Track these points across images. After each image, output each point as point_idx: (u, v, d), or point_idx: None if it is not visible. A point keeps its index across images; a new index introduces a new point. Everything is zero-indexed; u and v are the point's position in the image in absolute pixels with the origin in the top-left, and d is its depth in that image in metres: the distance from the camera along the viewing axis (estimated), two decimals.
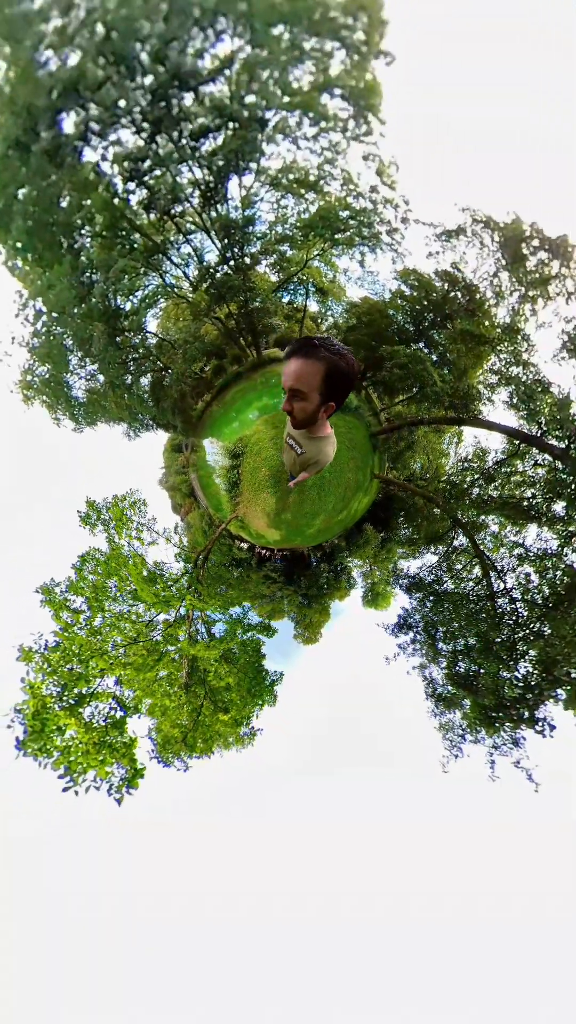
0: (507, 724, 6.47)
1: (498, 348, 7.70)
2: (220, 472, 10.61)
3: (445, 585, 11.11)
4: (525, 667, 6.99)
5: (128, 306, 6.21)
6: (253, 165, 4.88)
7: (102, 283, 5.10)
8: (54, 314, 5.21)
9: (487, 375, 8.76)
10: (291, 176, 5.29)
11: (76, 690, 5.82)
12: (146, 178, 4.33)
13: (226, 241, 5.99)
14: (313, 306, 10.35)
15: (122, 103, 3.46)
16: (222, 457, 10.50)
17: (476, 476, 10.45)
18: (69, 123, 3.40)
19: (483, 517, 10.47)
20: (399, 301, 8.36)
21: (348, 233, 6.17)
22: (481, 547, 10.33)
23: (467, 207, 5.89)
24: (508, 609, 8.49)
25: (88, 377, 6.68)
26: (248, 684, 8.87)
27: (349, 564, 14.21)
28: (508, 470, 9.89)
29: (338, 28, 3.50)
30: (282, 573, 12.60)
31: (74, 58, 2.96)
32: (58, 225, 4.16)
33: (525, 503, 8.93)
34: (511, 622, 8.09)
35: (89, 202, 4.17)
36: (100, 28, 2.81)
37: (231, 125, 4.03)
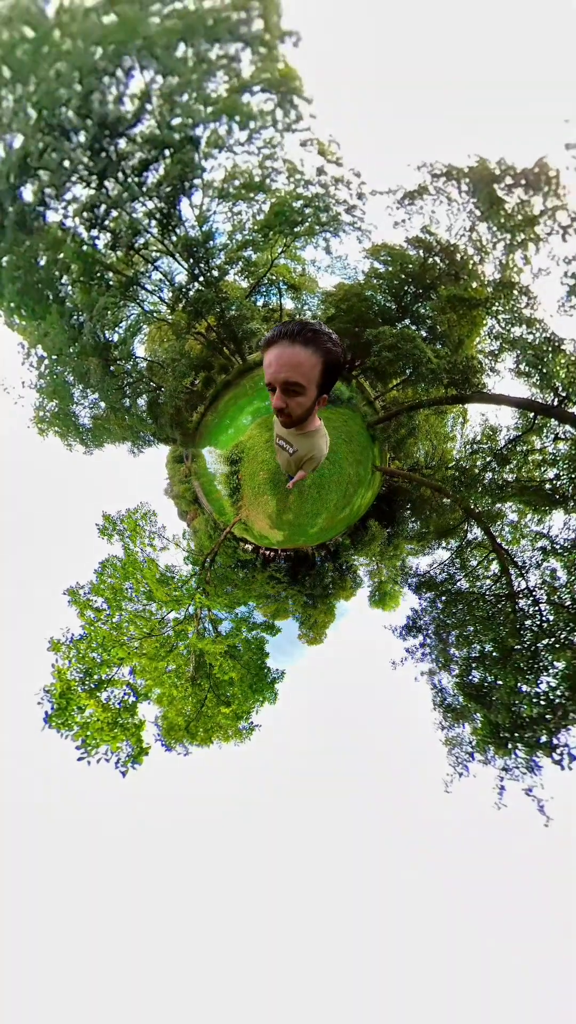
0: (520, 747, 5.63)
1: (493, 309, 6.65)
2: (221, 479, 11.11)
3: (458, 584, 10.03)
4: (548, 682, 5.97)
5: (116, 337, 6.96)
6: (198, 182, 5.07)
7: (89, 322, 5.84)
8: (53, 356, 6.13)
9: (486, 342, 7.65)
10: (236, 183, 5.34)
11: (97, 676, 6.82)
12: (105, 222, 4.85)
13: (191, 260, 6.30)
14: (288, 303, 10.18)
15: (67, 163, 3.99)
16: (221, 464, 10.99)
17: (488, 459, 9.20)
18: (28, 192, 4.04)
19: (499, 505, 9.21)
20: (374, 280, 7.77)
21: (306, 223, 5.95)
22: (498, 539, 9.10)
23: (423, 163, 5.20)
24: (530, 612, 7.34)
25: (91, 406, 7.63)
26: (251, 680, 9.26)
27: (354, 562, 13.73)
28: (524, 448, 8.54)
29: (234, 26, 3.45)
30: (286, 573, 12.73)
31: (18, 140, 3.50)
32: (41, 282, 4.93)
33: (547, 486, 7.61)
34: (534, 627, 6.98)
35: (62, 255, 4.83)
36: (30, 110, 3.29)
37: (167, 152, 4.29)
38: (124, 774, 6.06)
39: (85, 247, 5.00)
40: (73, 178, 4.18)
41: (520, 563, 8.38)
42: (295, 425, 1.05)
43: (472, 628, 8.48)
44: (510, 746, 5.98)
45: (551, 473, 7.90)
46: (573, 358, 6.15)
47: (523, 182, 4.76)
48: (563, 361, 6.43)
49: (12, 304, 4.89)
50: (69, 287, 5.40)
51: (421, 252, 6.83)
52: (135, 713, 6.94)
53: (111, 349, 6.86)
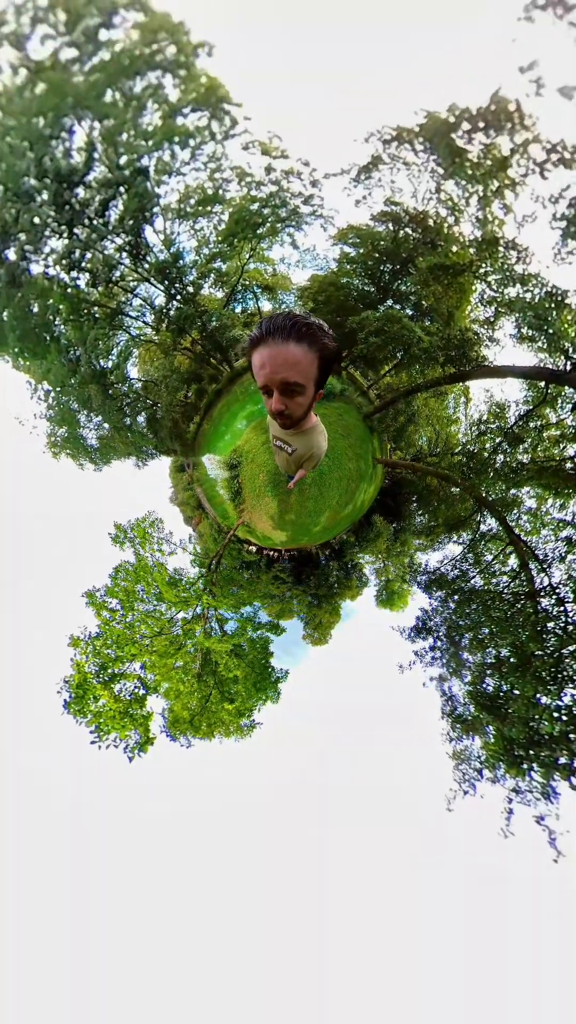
0: (536, 767, 4.86)
1: (480, 272, 5.89)
2: (222, 483, 11.58)
3: (472, 581, 9.07)
4: (573, 694, 5.08)
5: (110, 364, 7.72)
6: (157, 209, 5.42)
7: (84, 354, 6.61)
8: (57, 389, 7.04)
9: (479, 310, 6.81)
10: (192, 201, 5.56)
11: (111, 670, 7.62)
12: (82, 264, 5.46)
13: (166, 282, 6.74)
14: (266, 305, 10.20)
15: (36, 220, 4.60)
16: (221, 470, 11.45)
17: (498, 440, 8.20)
18: (11, 253, 4.75)
19: (515, 491, 8.15)
20: (348, 266, 7.41)
21: (267, 223, 5.94)
22: (516, 530, 8.04)
23: (369, 132, 4.81)
24: (554, 612, 6.33)
25: (96, 427, 8.55)
26: (255, 678, 9.50)
27: (360, 561, 13.23)
28: (538, 424, 7.44)
29: (150, 59, 3.61)
30: (291, 573, 12.77)
31: None
32: (37, 326, 5.72)
33: (568, 464, 6.49)
34: (558, 630, 6.01)
35: (51, 301, 5.55)
36: None
37: (122, 189, 4.69)
38: (131, 760, 6.68)
39: (69, 290, 5.70)
40: (46, 232, 4.84)
41: (541, 556, 7.30)
42: (295, 426, 0.99)
43: (487, 630, 7.60)
44: (524, 765, 5.25)
45: (571, 450, 6.76)
46: None
47: (482, 124, 4.15)
48: (570, 317, 5.48)
49: (15, 349, 5.79)
50: (62, 327, 6.18)
51: (390, 226, 6.37)
52: (144, 705, 7.59)
53: (107, 375, 7.63)
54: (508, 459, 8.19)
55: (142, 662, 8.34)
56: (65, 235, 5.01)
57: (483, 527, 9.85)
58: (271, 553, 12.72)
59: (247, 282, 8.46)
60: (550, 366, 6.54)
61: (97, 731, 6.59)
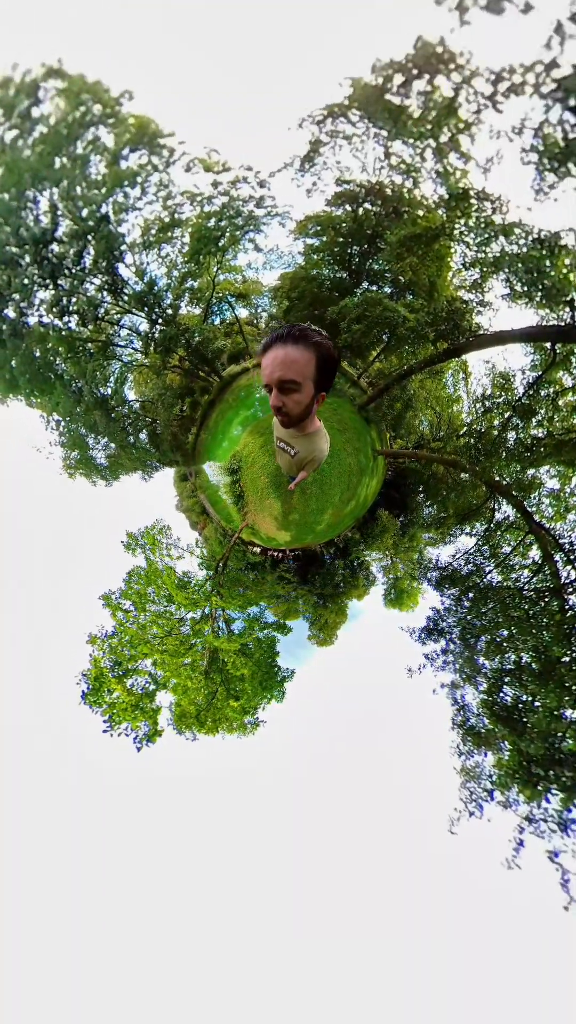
0: (554, 791, 4.05)
1: (455, 233, 5.30)
2: (223, 488, 12.12)
3: (489, 576, 8.05)
4: None
5: (109, 391, 8.68)
6: (124, 247, 6.00)
7: (85, 386, 7.56)
8: (66, 418, 8.11)
9: (463, 275, 6.09)
10: (153, 231, 6.03)
11: (124, 666, 8.43)
12: (70, 308, 6.30)
13: (146, 309, 7.39)
14: (243, 312, 10.44)
15: (26, 281, 5.46)
16: (222, 475, 12.01)
17: (507, 414, 7.22)
18: (10, 310, 5.71)
19: (532, 471, 7.09)
20: (314, 256, 7.21)
21: (226, 234, 6.16)
22: (536, 516, 6.98)
23: (302, 118, 4.65)
24: None
25: (104, 448, 9.64)
26: (261, 677, 9.68)
27: (366, 558, 12.66)
28: (551, 391, 6.40)
29: (82, 121, 4.02)
30: (296, 573, 12.74)
31: None
32: (42, 368, 6.73)
33: None
34: None
35: (50, 345, 6.49)
36: None
37: (89, 237, 5.33)
38: (139, 749, 7.29)
39: (64, 332, 6.62)
40: (34, 288, 5.73)
41: (567, 545, 6.21)
42: (294, 425, 1.06)
43: (506, 632, 6.71)
44: (541, 787, 4.48)
45: None
46: None
47: (414, 73, 3.76)
48: (568, 261, 4.66)
49: (27, 391, 6.89)
50: (63, 365, 7.17)
51: (347, 206, 6.10)
52: (153, 699, 8.22)
53: (108, 401, 8.59)
54: (521, 435, 7.21)
55: (153, 659, 9.03)
56: (51, 287, 5.89)
57: (498, 515, 8.75)
58: (275, 554, 12.83)
59: (220, 294, 8.86)
60: (554, 323, 5.65)
61: (110, 720, 7.33)
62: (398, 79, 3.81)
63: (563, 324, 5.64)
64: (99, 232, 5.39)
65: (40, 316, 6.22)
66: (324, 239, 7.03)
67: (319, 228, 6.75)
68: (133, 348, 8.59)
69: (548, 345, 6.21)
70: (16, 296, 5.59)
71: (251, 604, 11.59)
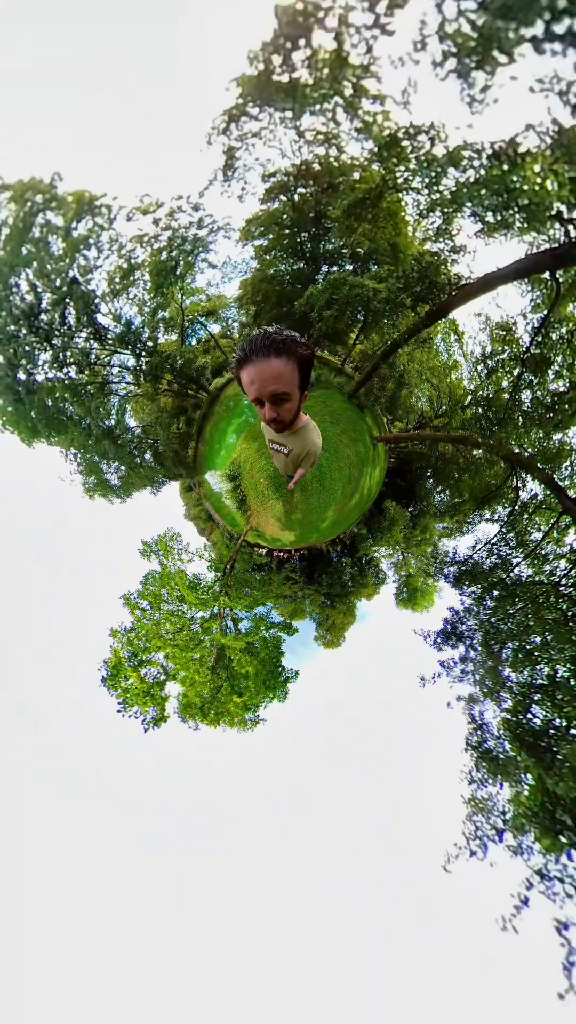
0: None
1: (398, 181, 4.68)
2: (226, 495, 12.98)
3: (516, 570, 6.70)
4: None
5: (112, 422, 10.24)
6: (96, 300, 7.13)
7: (92, 421, 9.13)
8: (81, 450, 9.87)
9: (423, 227, 5.29)
10: (117, 280, 6.96)
11: (139, 657, 9.69)
12: (67, 360, 7.77)
13: (129, 346, 8.56)
14: (215, 327, 10.95)
15: (27, 348, 6.96)
16: (223, 483, 12.88)
17: (515, 371, 6.00)
18: (21, 373, 7.35)
19: (558, 435, 5.71)
20: (267, 257, 7.20)
21: (180, 262, 6.73)
22: (570, 490, 5.60)
23: (207, 133, 4.70)
24: None
25: (116, 471, 11.35)
26: (265, 676, 10.01)
27: (375, 554, 11.83)
28: (563, 332, 5.01)
29: (31, 212, 4.93)
30: (302, 573, 12.71)
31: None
32: (56, 413, 8.40)
33: None
34: None
35: (58, 394, 8.09)
36: None
37: (67, 300, 6.53)
38: (145, 731, 8.28)
39: (66, 382, 8.17)
40: (35, 352, 7.29)
41: None
42: (287, 428, 1.12)
43: (539, 638, 5.57)
44: (565, 839, 3.55)
45: None
46: (546, 151, 3.48)
47: (288, 47, 3.47)
48: (537, 168, 3.71)
49: (46, 434, 8.69)
50: (71, 408, 8.80)
51: (281, 197, 5.97)
52: (163, 688, 9.24)
53: (113, 431, 10.15)
54: (538, 393, 6.01)
55: (165, 653, 10.16)
56: (48, 348, 7.39)
57: (523, 494, 7.32)
58: (280, 554, 12.99)
59: (191, 317, 9.61)
60: (547, 246, 4.57)
61: (124, 703, 8.54)
62: (276, 59, 3.66)
63: (557, 245, 4.51)
64: (73, 294, 6.60)
65: (45, 373, 7.87)
66: (271, 236, 7.05)
67: (262, 228, 6.81)
68: (126, 382, 9.99)
69: (547, 276, 5.01)
70: (23, 362, 7.24)
71: (258, 604, 11.96)
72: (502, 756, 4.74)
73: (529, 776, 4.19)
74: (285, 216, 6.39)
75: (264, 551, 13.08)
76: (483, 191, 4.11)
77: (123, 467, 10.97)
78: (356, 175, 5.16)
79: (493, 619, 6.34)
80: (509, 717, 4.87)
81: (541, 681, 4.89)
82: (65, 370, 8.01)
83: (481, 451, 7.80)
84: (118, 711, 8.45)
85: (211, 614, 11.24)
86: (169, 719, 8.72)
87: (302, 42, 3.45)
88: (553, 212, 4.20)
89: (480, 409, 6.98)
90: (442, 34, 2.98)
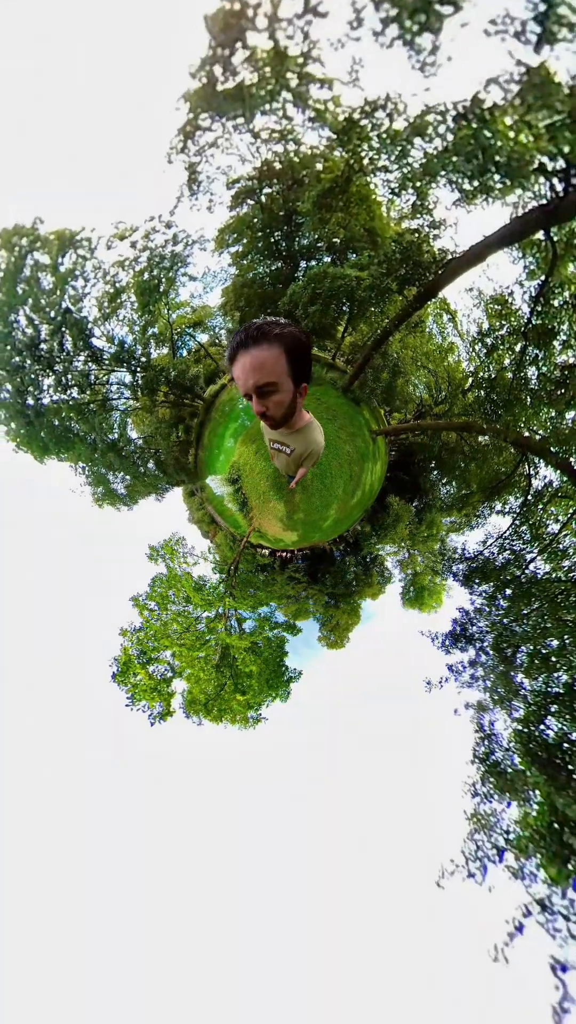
0: None
1: (363, 163, 4.48)
2: (228, 498, 13.36)
3: (531, 566, 6.09)
4: None
5: (116, 435, 11.01)
6: (89, 325, 7.72)
7: (96, 436, 9.92)
8: (88, 464, 10.73)
9: (398, 206, 5.02)
10: (106, 304, 7.50)
11: (148, 655, 10.28)
12: (69, 383, 8.51)
13: (124, 363, 9.16)
14: (203, 337, 11.25)
15: (32, 376, 7.75)
16: (225, 486, 13.29)
17: (517, 346, 5.49)
18: (30, 399, 8.19)
19: (572, 413, 5.12)
20: (244, 262, 7.27)
21: (162, 280, 7.10)
22: None
23: (166, 152, 4.82)
24: None
25: (121, 481, 12.15)
26: (268, 675, 10.19)
27: (379, 552, 11.44)
28: (566, 296, 4.46)
29: (20, 257, 5.49)
30: (306, 573, 12.67)
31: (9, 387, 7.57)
32: (64, 432, 9.24)
33: None
34: None
35: (64, 414, 8.90)
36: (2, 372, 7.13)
37: (63, 329, 7.19)
38: (152, 724, 8.76)
39: (71, 402, 8.94)
40: (40, 379, 8.08)
41: None
42: (283, 424, 1.02)
43: (556, 642, 5.09)
44: (573, 867, 3.17)
45: None
46: (515, 100, 3.15)
47: (226, 53, 3.43)
48: (509, 119, 3.36)
49: (56, 452, 9.58)
50: (77, 426, 9.61)
51: (248, 201, 5.99)
52: (169, 685, 9.72)
53: (117, 444, 10.91)
54: (544, 368, 5.51)
55: (172, 651, 10.69)
56: (50, 374, 8.17)
57: (536, 482, 6.70)
58: (283, 554, 13.05)
59: (179, 330, 10.03)
60: (535, 206, 4.16)
61: (132, 698, 9.12)
62: (218, 69, 3.70)
63: (547, 202, 4.08)
64: (68, 322, 7.26)
65: (51, 396, 8.69)
66: (244, 241, 7.14)
67: (235, 235, 6.92)
68: (125, 397, 10.69)
69: (540, 237, 4.52)
70: (30, 388, 8.09)
71: (262, 604, 12.12)
72: (510, 770, 4.28)
73: (538, 793, 3.75)
74: (255, 219, 6.45)
75: (267, 552, 13.19)
76: (455, 157, 3.79)
77: (128, 477, 11.73)
78: (319, 165, 5.03)
79: (506, 620, 5.81)
80: (520, 728, 4.39)
81: (558, 690, 4.37)
82: (68, 392, 8.80)
83: (487, 437, 7.20)
84: (127, 705, 9.05)
85: (216, 614, 11.59)
86: (175, 714, 9.15)
87: (238, 45, 3.46)
88: (535, 165, 3.77)
89: (483, 392, 6.44)
90: (378, 2, 2.80)
